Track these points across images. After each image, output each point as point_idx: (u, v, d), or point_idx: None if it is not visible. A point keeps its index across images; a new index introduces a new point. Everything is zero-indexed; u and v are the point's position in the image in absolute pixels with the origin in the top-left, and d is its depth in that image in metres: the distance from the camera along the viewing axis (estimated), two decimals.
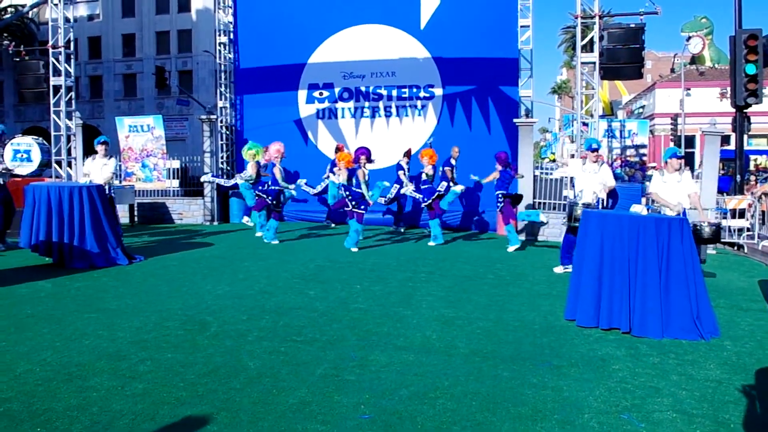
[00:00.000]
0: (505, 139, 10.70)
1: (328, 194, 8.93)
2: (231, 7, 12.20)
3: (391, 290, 5.53)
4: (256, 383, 3.14)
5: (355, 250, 7.90)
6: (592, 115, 10.17)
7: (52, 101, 11.26)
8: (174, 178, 12.00)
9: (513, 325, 4.39)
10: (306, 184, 10.38)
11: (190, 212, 11.79)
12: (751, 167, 18.80)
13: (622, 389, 3.17)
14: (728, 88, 14.32)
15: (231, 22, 12.25)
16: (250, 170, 9.51)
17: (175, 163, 12.20)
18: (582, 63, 9.92)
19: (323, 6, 11.53)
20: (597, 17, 9.68)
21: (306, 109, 11.82)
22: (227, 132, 12.52)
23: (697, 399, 3.06)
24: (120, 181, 11.56)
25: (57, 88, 11.22)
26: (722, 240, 9.15)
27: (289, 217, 11.58)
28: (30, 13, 23.78)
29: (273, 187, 8.57)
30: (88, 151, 9.21)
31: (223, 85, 12.53)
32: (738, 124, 10.67)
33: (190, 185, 12.26)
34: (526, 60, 10.67)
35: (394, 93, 11.45)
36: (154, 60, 29.67)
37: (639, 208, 5.01)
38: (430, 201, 8.83)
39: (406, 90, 11.42)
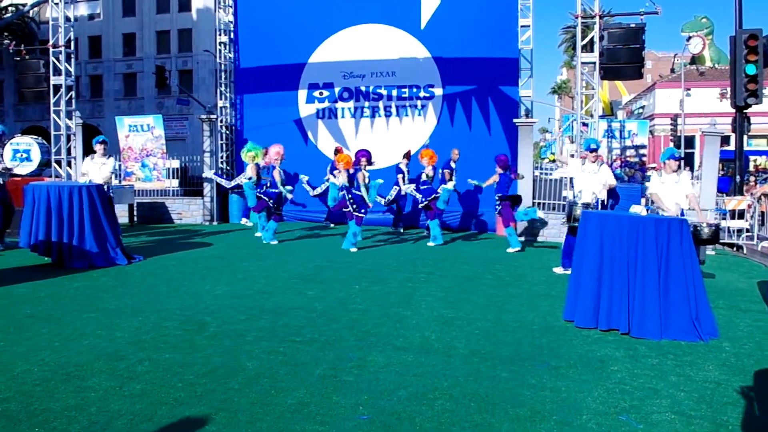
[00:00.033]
0: (505, 139, 10.70)
1: (329, 196, 8.91)
2: (231, 7, 12.20)
3: (390, 291, 5.53)
4: (254, 383, 3.14)
5: (354, 250, 7.90)
6: (592, 116, 10.17)
7: (52, 100, 11.26)
8: (173, 177, 12.00)
9: (512, 326, 4.39)
10: (308, 182, 10.38)
11: (189, 212, 11.79)
12: (751, 168, 18.79)
13: (621, 390, 3.17)
14: (728, 89, 14.31)
15: (231, 22, 12.24)
16: (249, 172, 9.52)
17: (175, 163, 12.20)
18: (582, 63, 9.92)
19: (323, 6, 11.53)
20: (597, 17, 9.68)
21: (306, 109, 11.82)
22: (227, 132, 12.52)
23: (696, 400, 3.06)
24: (119, 181, 11.56)
25: (57, 88, 11.22)
26: (721, 241, 9.15)
27: (288, 218, 11.58)
28: (30, 12, 23.77)
29: (273, 190, 8.56)
30: (88, 150, 9.21)
31: (223, 85, 12.53)
32: (738, 124, 10.66)
33: (190, 185, 12.26)
34: (526, 60, 10.67)
35: (394, 93, 11.45)
36: (154, 59, 29.66)
37: (638, 209, 5.01)
38: (427, 201, 8.85)
39: (406, 90, 11.42)
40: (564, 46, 38.20)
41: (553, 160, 24.20)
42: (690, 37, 23.59)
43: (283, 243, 8.68)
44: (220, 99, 12.50)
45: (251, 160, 9.55)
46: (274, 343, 3.86)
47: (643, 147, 11.37)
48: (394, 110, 11.49)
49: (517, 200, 8.53)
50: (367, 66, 11.44)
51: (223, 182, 11.26)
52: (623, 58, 9.59)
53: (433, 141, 10.84)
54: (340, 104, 11.67)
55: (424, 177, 8.96)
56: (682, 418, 2.84)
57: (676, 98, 22.48)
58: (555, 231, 9.79)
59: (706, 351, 3.90)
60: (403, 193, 9.66)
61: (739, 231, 9.42)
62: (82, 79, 29.94)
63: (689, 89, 22.71)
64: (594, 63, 9.73)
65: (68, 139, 11.41)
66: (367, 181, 7.99)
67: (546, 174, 10.87)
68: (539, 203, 10.15)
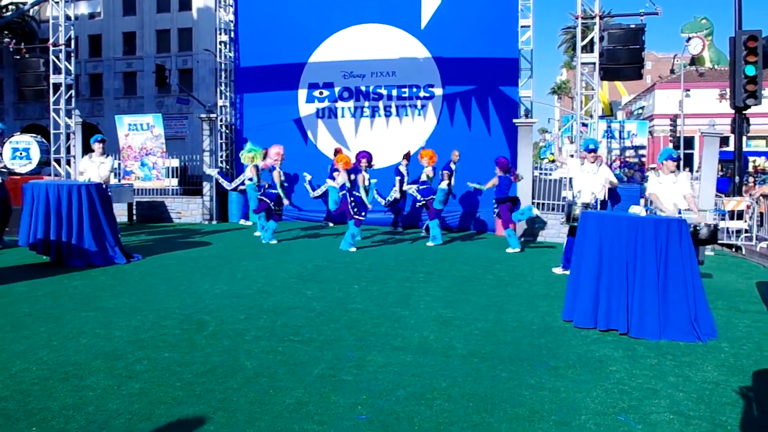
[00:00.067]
0: (505, 139, 10.70)
1: (330, 199, 8.87)
2: (232, 6, 12.20)
3: (389, 290, 5.53)
4: (253, 383, 3.14)
5: (353, 250, 7.89)
6: (591, 116, 10.18)
7: (51, 99, 11.25)
8: (173, 176, 11.99)
9: (511, 326, 4.39)
10: (309, 183, 10.36)
11: (188, 211, 11.78)
12: (750, 169, 18.79)
13: (620, 390, 3.17)
14: (727, 90, 14.31)
15: (232, 21, 12.24)
16: (249, 173, 9.53)
17: (175, 162, 12.19)
18: (582, 63, 9.92)
19: (324, 5, 11.52)
20: (597, 18, 9.68)
21: (306, 109, 11.82)
22: (227, 131, 12.51)
23: (695, 401, 3.06)
24: (119, 180, 11.55)
25: (57, 86, 11.22)
26: (720, 242, 9.16)
27: (287, 217, 11.57)
28: (31, 10, 23.74)
29: (272, 190, 8.56)
30: (88, 149, 9.21)
31: (223, 84, 12.52)
32: (737, 125, 10.67)
33: (189, 184, 12.24)
34: (526, 60, 10.67)
35: (394, 93, 11.44)
36: (154, 58, 29.65)
37: (638, 209, 5.02)
38: (425, 201, 8.87)
39: (406, 90, 11.42)
40: (564, 46, 38.21)
41: (553, 161, 24.22)
42: (690, 38, 23.57)
43: (282, 243, 8.67)
44: (220, 98, 12.49)
45: (250, 162, 9.55)
46: (273, 342, 3.86)
47: (643, 147, 11.37)
48: (394, 110, 11.49)
49: (514, 201, 8.53)
50: (367, 66, 11.43)
51: (224, 183, 11.25)
52: (623, 59, 9.59)
53: (433, 141, 10.84)
54: (340, 104, 11.67)
55: (424, 177, 8.96)
56: (680, 419, 2.84)
57: (675, 99, 22.48)
58: (554, 231, 9.79)
59: (705, 351, 3.90)
60: (399, 196, 9.68)
61: (738, 232, 9.43)
62: (82, 77, 29.93)
63: (689, 90, 22.72)
64: (594, 63, 9.73)
65: (68, 138, 11.40)
66: (367, 183, 7.98)
67: (545, 174, 10.87)
68: (538, 203, 10.15)
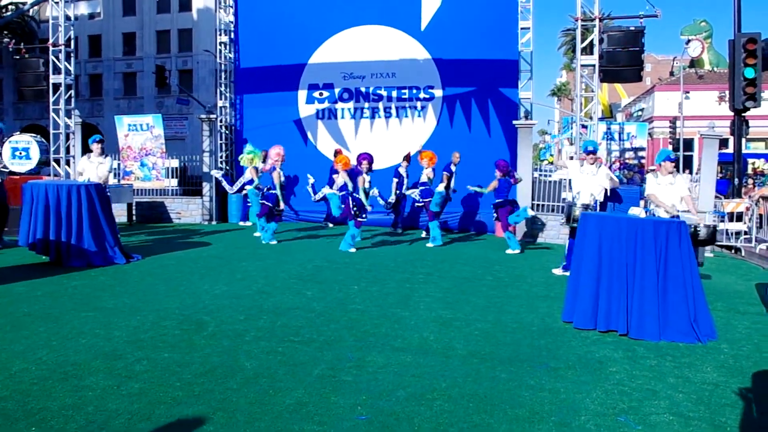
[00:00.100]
0: (505, 140, 10.71)
1: (332, 205, 8.79)
2: (232, 7, 12.21)
3: (389, 291, 5.53)
4: (253, 383, 3.14)
5: (353, 251, 7.89)
6: (591, 118, 10.19)
7: (51, 99, 11.25)
8: (173, 177, 11.99)
9: (511, 327, 4.39)
10: (312, 186, 10.33)
11: (188, 211, 11.78)
12: (749, 171, 18.81)
13: (619, 391, 3.17)
14: (727, 92, 14.34)
15: (232, 22, 12.25)
16: (248, 175, 9.54)
17: (174, 163, 12.19)
18: (582, 65, 9.94)
19: (324, 6, 11.53)
20: (597, 20, 9.70)
21: (306, 110, 11.82)
22: (227, 131, 12.52)
23: (694, 402, 3.06)
24: (119, 180, 11.55)
25: (57, 86, 11.22)
26: (720, 243, 9.17)
27: (287, 218, 11.58)
28: (30, 10, 23.75)
29: (272, 191, 8.56)
30: (87, 149, 9.21)
31: (223, 85, 12.53)
32: (736, 127, 10.69)
33: (189, 184, 12.24)
34: (526, 62, 10.68)
35: (394, 94, 11.45)
36: (154, 59, 29.66)
37: (637, 211, 5.03)
38: (423, 202, 8.89)
39: (406, 91, 11.43)
40: (564, 48, 38.28)
41: (552, 162, 24.24)
42: (689, 41, 23.61)
43: (282, 243, 8.67)
44: (220, 99, 12.49)
45: (249, 164, 9.56)
46: (273, 343, 3.86)
47: (642, 149, 11.39)
48: (393, 111, 11.50)
49: (513, 205, 8.52)
50: (367, 67, 11.45)
51: (227, 186, 11.17)
52: (623, 61, 9.61)
53: (433, 142, 10.85)
54: (339, 105, 11.67)
55: (424, 178, 8.97)
56: (680, 420, 2.84)
57: (675, 101, 22.50)
58: (554, 232, 9.80)
59: (705, 353, 3.90)
60: (393, 199, 9.72)
61: (738, 233, 9.44)
62: (82, 78, 29.93)
63: (688, 92, 22.74)
64: (593, 65, 9.75)
65: (67, 138, 11.40)
66: (367, 185, 7.95)
67: (545, 176, 10.88)
68: (538, 204, 10.16)
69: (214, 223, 11.58)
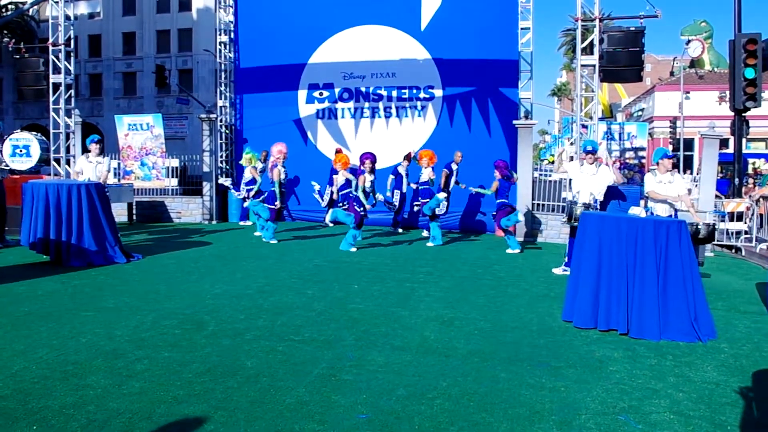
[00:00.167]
0: (505, 140, 10.72)
1: (341, 219, 8.69)
2: (232, 7, 12.20)
3: (389, 290, 5.53)
4: (253, 382, 3.14)
5: (353, 250, 7.89)
6: (591, 118, 10.19)
7: (51, 99, 11.24)
8: (173, 176, 11.99)
9: (511, 326, 4.39)
10: (319, 192, 10.29)
11: (188, 211, 11.78)
12: (750, 170, 18.83)
13: (620, 390, 3.17)
14: (727, 92, 14.35)
15: (232, 22, 12.25)
16: (248, 174, 9.55)
17: (174, 162, 12.19)
18: (582, 65, 9.94)
19: (324, 6, 11.53)
20: (597, 20, 9.70)
21: (306, 109, 11.82)
22: (227, 131, 12.52)
23: (695, 401, 3.07)
24: (119, 180, 11.55)
25: (56, 86, 11.21)
26: (720, 243, 9.18)
27: (288, 218, 11.59)
28: (30, 10, 23.75)
29: (271, 189, 8.56)
30: (86, 149, 9.21)
31: (223, 85, 12.52)
32: (737, 127, 10.70)
33: (189, 184, 12.24)
34: (526, 62, 10.68)
35: (394, 94, 11.45)
36: (154, 58, 29.67)
37: (637, 211, 5.03)
38: (421, 203, 8.92)
39: (406, 91, 11.43)
40: (564, 48, 38.30)
41: (552, 162, 24.24)
42: (689, 41, 23.60)
43: (283, 242, 8.67)
44: (220, 98, 12.49)
45: (248, 163, 9.61)
46: (273, 342, 3.86)
47: (643, 149, 11.39)
48: (393, 111, 11.50)
49: (513, 209, 8.51)
50: (368, 67, 11.45)
51: (236, 193, 11.11)
52: (623, 61, 9.62)
53: (433, 142, 10.86)
54: (340, 105, 11.67)
55: (425, 178, 8.97)
56: (680, 419, 2.84)
57: (675, 101, 22.50)
58: (554, 232, 9.81)
59: (705, 352, 3.90)
60: (395, 200, 9.76)
61: (738, 233, 9.44)
62: (82, 77, 29.95)
63: (688, 92, 22.74)
64: (594, 66, 9.75)
65: (67, 138, 11.39)
66: (368, 184, 7.94)
67: (545, 175, 10.88)
68: (538, 204, 10.17)
69: (214, 222, 11.58)
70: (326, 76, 11.61)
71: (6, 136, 10.64)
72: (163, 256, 7.31)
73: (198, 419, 2.68)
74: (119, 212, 10.46)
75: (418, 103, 11.38)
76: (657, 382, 3.33)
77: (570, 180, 7.49)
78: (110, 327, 4.11)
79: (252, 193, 9.50)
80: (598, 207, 6.64)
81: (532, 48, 10.63)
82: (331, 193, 9.86)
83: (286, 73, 11.69)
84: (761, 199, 10.40)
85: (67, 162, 11.38)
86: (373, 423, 2.69)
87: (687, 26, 26.20)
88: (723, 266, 7.80)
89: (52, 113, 11.37)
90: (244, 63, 12.09)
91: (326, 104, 11.74)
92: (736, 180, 10.88)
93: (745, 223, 9.53)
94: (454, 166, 9.51)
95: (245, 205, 9.77)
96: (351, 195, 7.97)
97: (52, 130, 11.35)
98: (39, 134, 11.50)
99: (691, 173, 14.39)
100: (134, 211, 11.36)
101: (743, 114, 10.69)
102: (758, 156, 21.46)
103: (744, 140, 12.12)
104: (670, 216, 5.90)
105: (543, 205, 10.22)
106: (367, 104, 11.57)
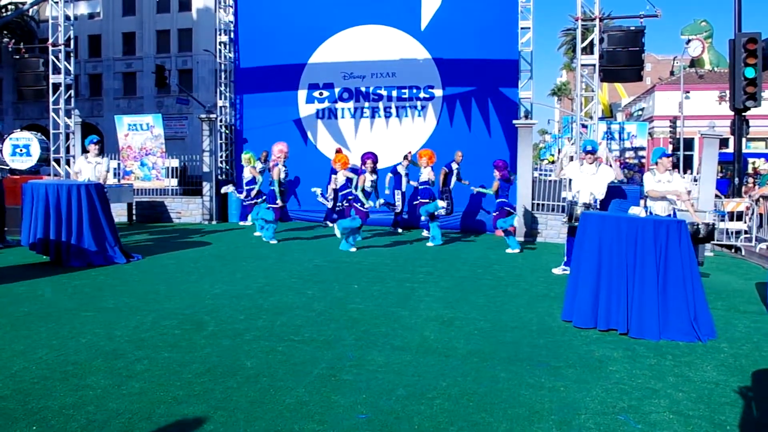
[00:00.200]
0: (505, 140, 10.72)
1: (348, 224, 8.67)
2: (232, 7, 12.21)
3: (389, 290, 5.53)
4: (253, 382, 3.14)
5: (353, 250, 7.89)
6: (591, 117, 10.19)
7: (51, 99, 11.24)
8: (173, 177, 11.99)
9: (511, 326, 4.39)
10: (321, 194, 10.29)
11: (188, 211, 11.78)
12: (750, 170, 18.82)
13: (619, 390, 3.17)
14: (727, 92, 14.34)
15: (232, 22, 12.25)
16: (247, 174, 9.56)
17: (174, 162, 12.19)
18: (582, 65, 9.94)
19: (324, 6, 11.53)
20: (597, 19, 9.70)
21: (306, 109, 11.82)
22: (227, 131, 12.52)
23: (694, 400, 3.07)
24: (118, 180, 11.55)
25: (56, 86, 11.21)
26: (720, 242, 9.18)
27: (294, 212, 11.59)
28: (30, 10, 23.75)
29: (271, 189, 8.56)
30: (86, 149, 9.22)
31: (223, 85, 12.53)
32: (737, 127, 10.69)
33: (189, 184, 12.25)
34: (526, 62, 10.68)
35: (394, 93, 11.46)
36: (154, 59, 29.67)
37: (637, 210, 5.03)
38: (419, 201, 8.94)
39: (406, 91, 11.43)
40: (564, 48, 38.30)
41: (552, 162, 24.24)
42: (689, 40, 23.58)
43: (283, 242, 8.68)
44: (220, 99, 12.49)
45: (248, 163, 9.66)
46: (273, 342, 3.86)
47: (642, 149, 11.40)
48: (393, 111, 11.50)
49: (512, 209, 8.51)
50: (368, 67, 11.45)
51: (241, 196, 11.10)
52: (623, 61, 9.61)
53: (433, 142, 10.86)
54: (340, 104, 11.68)
55: (425, 177, 8.98)
56: (680, 418, 2.84)
57: (675, 101, 22.50)
58: (554, 232, 9.80)
59: (704, 352, 3.91)
60: (398, 201, 9.76)
61: (738, 233, 9.44)
62: (82, 77, 29.94)
63: (688, 92, 22.73)
64: (594, 65, 9.75)
65: (67, 138, 11.40)
66: (368, 184, 7.93)
67: (545, 175, 10.88)
68: (538, 204, 10.17)
69: (214, 222, 11.58)
70: (326, 76, 11.62)
71: (6, 135, 10.64)
72: (163, 256, 7.32)
73: (198, 419, 2.68)
74: (119, 212, 10.47)
75: (418, 103, 11.39)
76: (656, 381, 3.33)
77: (570, 180, 7.49)
78: (110, 327, 4.11)
79: (253, 193, 9.51)
80: (598, 206, 6.63)
81: (532, 48, 10.64)
82: (334, 191, 9.89)
83: (286, 73, 11.69)
84: (761, 199, 10.40)
85: (67, 162, 11.38)
86: (372, 423, 2.70)
87: (687, 26, 26.19)
88: (723, 266, 7.79)
89: (51, 113, 11.37)
90: (244, 63, 12.09)
91: (326, 104, 11.74)
92: (736, 180, 10.88)
93: (745, 222, 9.53)
94: (454, 166, 9.52)
95: (245, 203, 9.78)
96: (351, 195, 7.96)
97: (51, 131, 11.35)
98: (39, 134, 11.50)
99: (691, 173, 14.39)
100: (134, 212, 11.36)
101: (743, 113, 10.69)
102: (758, 156, 21.46)
103: (744, 140, 12.12)
104: (669, 215, 5.91)
105: (543, 204, 10.22)
106: (367, 104, 11.58)
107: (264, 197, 8.83)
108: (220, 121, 12.32)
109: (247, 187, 9.73)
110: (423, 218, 9.02)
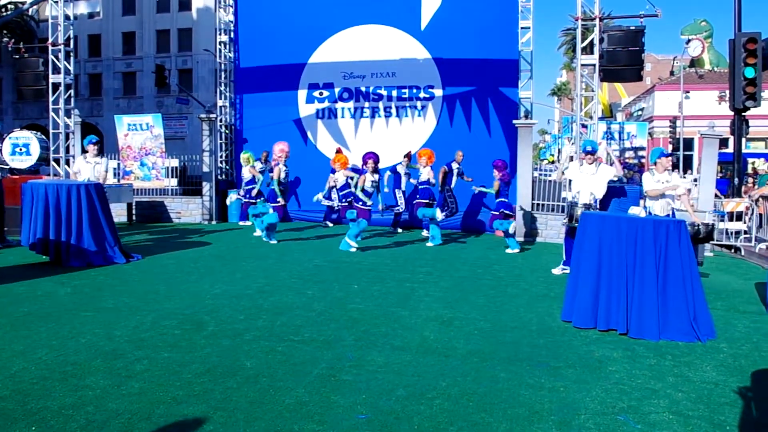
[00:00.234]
0: (505, 140, 10.72)
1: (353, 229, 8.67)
2: (232, 6, 12.21)
3: (389, 290, 5.53)
4: (252, 383, 3.14)
5: (353, 250, 7.89)
6: (591, 117, 10.19)
7: (51, 99, 11.24)
8: (173, 176, 11.99)
9: (510, 326, 4.39)
10: (324, 196, 10.26)
11: (188, 211, 11.78)
12: (749, 170, 18.82)
13: (619, 390, 3.17)
14: (727, 92, 14.35)
15: (231, 21, 12.25)
16: (247, 174, 9.56)
17: (174, 162, 12.19)
18: (582, 65, 9.94)
19: (324, 6, 11.53)
20: (597, 19, 9.70)
21: (306, 109, 11.82)
22: (227, 131, 12.52)
23: (694, 401, 3.07)
24: (118, 180, 11.55)
25: (56, 86, 11.21)
26: (720, 242, 9.18)
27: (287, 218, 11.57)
28: (30, 10, 23.73)
29: (270, 188, 8.56)
30: (85, 150, 9.22)
31: (223, 84, 12.52)
32: (736, 127, 10.69)
33: (189, 184, 12.24)
34: (526, 62, 10.68)
35: (394, 93, 11.46)
36: (154, 58, 29.66)
37: (637, 210, 5.03)
38: (418, 202, 8.94)
39: (406, 90, 11.43)
40: (564, 48, 38.31)
41: (552, 162, 24.24)
42: (689, 40, 23.59)
43: (283, 242, 8.67)
44: (220, 98, 12.49)
45: (246, 162, 9.66)
46: (273, 342, 3.86)
47: (642, 149, 11.39)
48: (393, 111, 11.50)
49: (511, 211, 8.50)
50: (368, 66, 11.45)
51: (244, 199, 11.07)
52: (623, 61, 9.61)
53: (433, 142, 10.86)
54: (339, 104, 11.68)
55: (425, 177, 8.97)
56: (680, 418, 2.84)
57: (675, 101, 22.51)
58: (554, 232, 9.80)
59: (704, 352, 3.91)
60: (400, 203, 9.77)
61: (737, 233, 9.44)
62: (81, 77, 29.93)
63: (688, 92, 22.74)
64: (594, 65, 9.75)
65: (67, 138, 11.39)
66: (369, 184, 7.93)
67: (544, 175, 10.88)
68: (538, 204, 10.17)
69: (214, 222, 11.58)
70: (326, 75, 11.62)
71: (5, 135, 10.65)
72: (163, 256, 7.31)
73: (197, 420, 2.68)
74: (119, 212, 10.47)
75: (418, 103, 11.39)
76: (656, 382, 3.33)
77: (570, 180, 7.49)
78: (110, 327, 4.11)
79: (254, 193, 9.51)
80: (598, 206, 6.63)
81: (532, 47, 10.64)
82: (329, 189, 9.87)
83: (286, 73, 11.69)
84: (761, 199, 10.40)
85: (67, 162, 11.38)
86: (372, 423, 2.70)
87: (687, 26, 26.19)
88: (722, 266, 7.80)
89: (51, 113, 11.36)
90: (244, 63, 12.08)
91: (326, 104, 11.74)
92: (736, 180, 10.88)
93: (745, 222, 9.53)
94: (455, 165, 9.52)
95: (244, 201, 9.78)
96: (351, 194, 7.97)
97: (51, 130, 11.35)
98: (38, 133, 11.50)
99: (691, 173, 14.40)
100: (134, 212, 11.36)
101: (743, 113, 10.68)
102: (758, 156, 21.46)
103: (744, 140, 12.13)
104: (668, 215, 5.91)
105: (542, 205, 10.22)
106: (367, 104, 11.57)
107: (264, 197, 8.84)
108: (220, 120, 12.32)
109: (247, 187, 9.73)
110: (422, 217, 9.00)
